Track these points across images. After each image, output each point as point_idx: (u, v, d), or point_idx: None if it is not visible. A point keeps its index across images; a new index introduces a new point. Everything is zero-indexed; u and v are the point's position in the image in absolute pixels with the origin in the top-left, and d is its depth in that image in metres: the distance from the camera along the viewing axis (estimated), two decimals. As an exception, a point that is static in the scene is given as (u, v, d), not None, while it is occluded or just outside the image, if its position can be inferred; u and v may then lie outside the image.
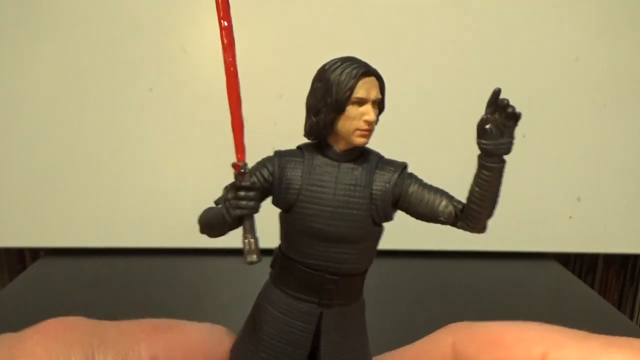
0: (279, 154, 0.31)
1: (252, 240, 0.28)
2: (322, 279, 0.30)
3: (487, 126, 0.27)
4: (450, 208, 0.29)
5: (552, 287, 0.65)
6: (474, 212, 0.29)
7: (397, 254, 0.72)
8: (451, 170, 0.70)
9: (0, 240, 0.69)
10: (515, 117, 0.27)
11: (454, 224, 0.29)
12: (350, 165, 0.30)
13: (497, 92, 0.28)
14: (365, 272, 0.32)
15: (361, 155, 0.30)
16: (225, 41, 0.28)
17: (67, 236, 0.69)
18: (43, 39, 0.65)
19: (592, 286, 0.81)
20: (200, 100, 0.65)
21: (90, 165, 0.68)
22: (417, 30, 0.67)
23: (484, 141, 0.27)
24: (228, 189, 0.29)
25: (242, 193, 0.28)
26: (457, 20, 0.67)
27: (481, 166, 0.28)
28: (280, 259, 0.31)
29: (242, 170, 0.28)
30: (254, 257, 0.28)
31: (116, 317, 0.54)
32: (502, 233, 0.72)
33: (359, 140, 0.29)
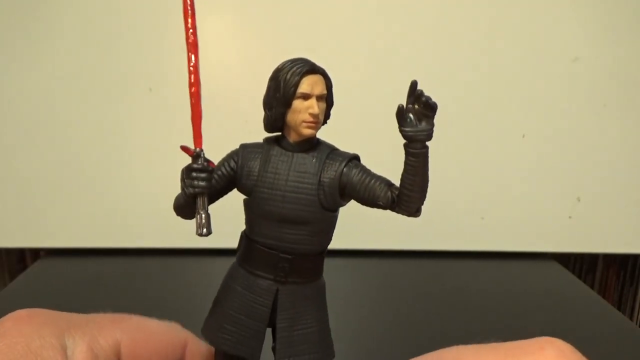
0: (243, 146, 0.35)
1: (204, 215, 0.32)
2: (277, 257, 0.33)
3: (406, 115, 0.30)
4: (388, 194, 0.31)
5: (552, 287, 0.65)
6: (405, 197, 0.31)
7: (397, 254, 0.72)
8: (452, 167, 0.70)
9: (0, 240, 0.69)
10: (430, 107, 0.29)
11: (392, 208, 0.32)
12: (303, 155, 0.33)
13: (414, 84, 0.30)
14: (320, 254, 0.34)
15: (314, 146, 0.34)
16: (190, 40, 0.33)
17: (67, 236, 0.69)
18: (42, 39, 0.65)
19: (591, 286, 0.81)
20: (205, 100, 0.65)
21: (90, 165, 0.68)
22: (415, 30, 0.67)
23: (403, 128, 0.30)
24: (184, 170, 0.33)
25: (194, 174, 0.32)
26: (456, 21, 0.67)
27: (406, 152, 0.30)
28: (244, 241, 0.35)
29: (195, 155, 0.33)
30: (204, 230, 0.32)
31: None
32: (502, 233, 0.72)
33: (306, 132, 0.32)
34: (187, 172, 0.33)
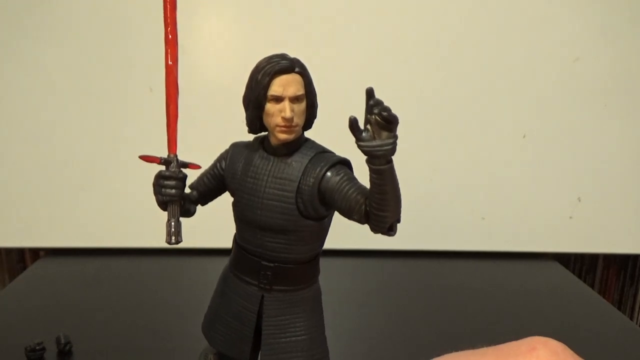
0: (233, 146, 0.34)
1: (174, 223, 0.31)
2: (259, 264, 0.31)
3: (363, 127, 0.26)
4: (363, 207, 0.29)
5: (552, 287, 0.65)
6: (374, 216, 0.28)
7: (397, 254, 0.72)
8: (452, 167, 0.70)
9: (0, 240, 0.69)
10: (386, 120, 0.25)
11: (366, 223, 0.29)
12: (284, 159, 0.31)
13: (368, 92, 0.26)
14: (307, 263, 0.32)
15: (298, 149, 0.31)
16: (169, 36, 0.31)
17: (67, 236, 0.69)
18: (43, 40, 0.64)
19: (592, 286, 0.81)
20: (200, 100, 0.65)
21: (90, 165, 0.68)
22: (416, 31, 0.67)
23: (359, 143, 0.26)
24: (156, 177, 0.32)
25: (163, 182, 0.31)
26: (457, 22, 0.67)
27: (369, 169, 0.27)
28: (234, 245, 0.34)
29: (163, 162, 0.31)
30: (173, 239, 0.31)
31: (116, 317, 0.54)
32: (502, 233, 0.72)
33: (280, 136, 0.30)
34: (156, 179, 0.31)
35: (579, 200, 0.72)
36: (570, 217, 0.72)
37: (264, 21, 0.66)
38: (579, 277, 0.78)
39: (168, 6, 0.30)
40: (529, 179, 0.71)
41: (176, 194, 0.31)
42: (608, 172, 0.71)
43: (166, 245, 0.78)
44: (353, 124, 0.26)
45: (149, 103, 0.66)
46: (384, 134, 0.25)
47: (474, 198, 0.70)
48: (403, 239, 0.72)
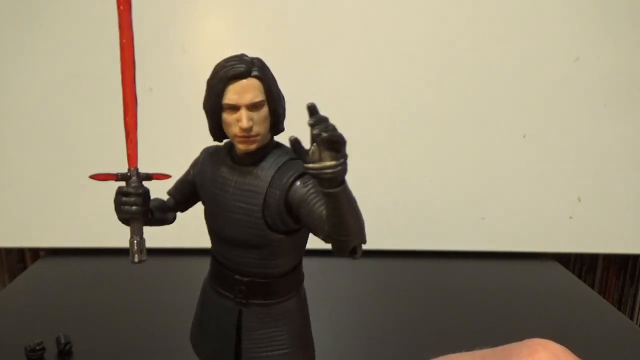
0: (204, 150, 0.31)
1: (136, 242, 0.28)
2: (232, 278, 0.29)
3: (308, 148, 0.23)
4: (326, 227, 0.26)
5: (552, 287, 0.65)
6: (334, 241, 0.25)
7: (398, 254, 0.72)
8: (452, 167, 0.70)
9: (0, 240, 0.69)
10: (329, 142, 0.22)
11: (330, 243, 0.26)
12: (249, 169, 0.28)
13: (309, 108, 0.23)
14: (284, 276, 0.30)
15: (266, 156, 0.28)
16: (124, 40, 0.28)
17: (67, 236, 0.69)
18: (42, 39, 0.64)
19: (592, 286, 0.81)
20: (200, 100, 0.65)
21: (90, 165, 0.68)
22: (416, 31, 0.67)
23: (305, 165, 0.23)
24: (115, 193, 0.29)
25: (122, 198, 0.28)
26: (457, 21, 0.67)
27: (322, 192, 0.24)
28: (211, 256, 0.32)
29: (120, 177, 0.28)
30: (136, 258, 0.28)
31: (116, 317, 0.54)
32: (502, 233, 0.72)
33: (240, 147, 0.27)
34: (115, 195, 0.29)
35: (579, 200, 0.72)
36: (570, 217, 0.72)
37: (264, 21, 0.66)
38: (579, 277, 0.78)
39: (121, 7, 0.27)
40: (529, 179, 0.71)
41: (137, 211, 0.28)
42: (608, 172, 0.71)
43: (166, 245, 0.78)
44: (294, 144, 0.23)
45: (148, 103, 0.66)
46: (331, 154, 0.22)
47: (474, 198, 0.70)
48: (403, 239, 0.73)
